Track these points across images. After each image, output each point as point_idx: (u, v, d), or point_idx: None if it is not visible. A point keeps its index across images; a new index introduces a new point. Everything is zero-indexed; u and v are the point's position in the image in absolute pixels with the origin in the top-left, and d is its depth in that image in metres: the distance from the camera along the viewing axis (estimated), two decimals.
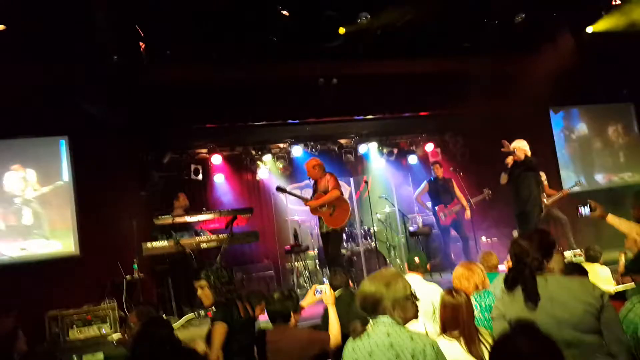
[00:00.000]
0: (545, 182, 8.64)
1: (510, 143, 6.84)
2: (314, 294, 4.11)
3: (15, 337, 3.69)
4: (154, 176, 8.14)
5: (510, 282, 2.74)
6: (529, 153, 6.91)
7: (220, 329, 3.60)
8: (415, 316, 2.72)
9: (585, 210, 4.76)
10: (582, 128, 10.53)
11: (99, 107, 7.19)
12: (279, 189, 7.24)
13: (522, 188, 6.90)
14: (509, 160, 6.97)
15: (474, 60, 8.59)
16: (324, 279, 8.01)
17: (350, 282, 4.90)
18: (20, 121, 7.07)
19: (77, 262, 7.08)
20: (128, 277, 6.56)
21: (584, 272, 4.17)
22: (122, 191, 7.37)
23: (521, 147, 6.90)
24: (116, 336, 5.77)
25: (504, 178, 7.15)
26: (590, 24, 8.75)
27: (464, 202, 8.39)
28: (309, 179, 7.26)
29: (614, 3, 8.38)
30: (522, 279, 2.68)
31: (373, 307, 2.62)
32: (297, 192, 8.33)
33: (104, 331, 5.93)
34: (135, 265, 6.62)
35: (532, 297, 2.63)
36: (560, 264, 2.72)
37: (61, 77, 6.77)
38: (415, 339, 2.52)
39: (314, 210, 6.94)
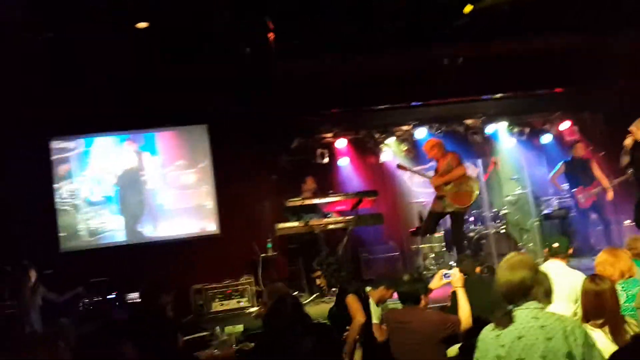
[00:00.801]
0: None
1: None
2: (442, 278, 4.12)
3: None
4: (283, 160, 8.50)
5: None
6: None
7: (354, 298, 3.76)
8: (551, 300, 2.67)
9: None
10: None
11: (233, 97, 7.66)
12: (399, 166, 7.30)
13: None
14: (628, 141, 6.31)
15: (615, 35, 7.91)
16: (451, 262, 7.90)
17: (477, 268, 4.83)
18: (164, 112, 7.73)
19: (217, 240, 7.67)
20: (263, 255, 6.98)
21: None
22: (255, 175, 7.83)
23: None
24: (254, 310, 6.21)
25: (624, 160, 6.48)
26: None
27: (606, 183, 7.81)
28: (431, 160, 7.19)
29: None
30: None
31: (520, 294, 2.59)
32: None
33: (242, 304, 6.36)
34: (269, 244, 7.02)
35: None
36: None
37: (198, 71, 7.30)
38: (563, 319, 2.53)
39: (438, 188, 6.85)
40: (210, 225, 7.88)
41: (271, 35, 7.14)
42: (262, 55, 7.44)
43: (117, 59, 6.79)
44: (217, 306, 6.43)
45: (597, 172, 7.95)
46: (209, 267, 7.11)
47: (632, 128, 6.32)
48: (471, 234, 8.31)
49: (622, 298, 3.56)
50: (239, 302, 6.41)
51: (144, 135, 8.14)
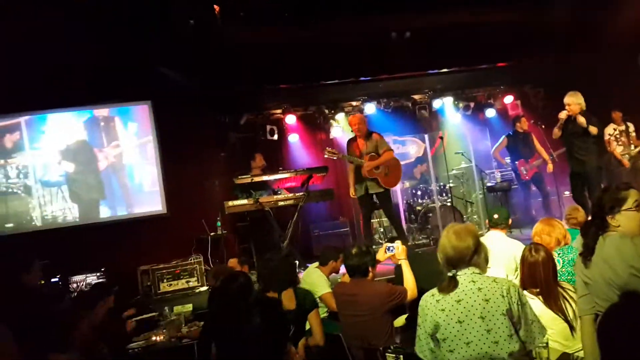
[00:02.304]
0: (634, 133, 8.18)
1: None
2: (385, 251, 4.20)
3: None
4: (231, 137, 8.40)
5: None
6: (584, 107, 6.45)
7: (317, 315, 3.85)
8: (487, 269, 2.79)
9: None
10: None
11: (177, 72, 7.46)
12: (329, 151, 6.95)
13: (577, 146, 6.51)
14: (563, 115, 6.51)
15: (556, 8, 8.11)
16: None
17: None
18: (106, 88, 7.46)
19: (165, 220, 7.54)
20: (212, 234, 6.91)
21: None
22: (203, 153, 7.70)
23: (575, 101, 6.44)
24: (204, 289, 6.18)
25: (555, 133, 6.69)
26: None
27: (546, 156, 8.09)
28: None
29: None
30: (585, 236, 2.68)
31: (461, 261, 2.70)
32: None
33: (191, 284, 6.31)
34: (219, 223, 6.96)
35: (585, 255, 2.67)
36: (634, 222, 2.61)
37: (140, 45, 7.07)
38: (499, 281, 2.67)
39: (369, 172, 6.82)
40: (157, 205, 7.71)
41: (217, 7, 6.97)
42: (207, 28, 7.28)
43: (57, 34, 6.51)
44: (165, 287, 6.34)
45: (538, 145, 8.21)
46: (157, 248, 6.99)
47: (566, 100, 6.52)
48: (418, 208, 8.49)
49: (559, 264, 3.72)
50: (188, 282, 6.34)
51: (89, 112, 7.86)
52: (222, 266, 4.53)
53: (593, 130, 6.45)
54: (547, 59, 8.27)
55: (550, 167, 8.06)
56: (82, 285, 6.41)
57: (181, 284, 6.39)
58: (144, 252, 6.98)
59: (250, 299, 3.12)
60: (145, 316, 5.00)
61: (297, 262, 6.66)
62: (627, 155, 8.07)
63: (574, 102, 6.47)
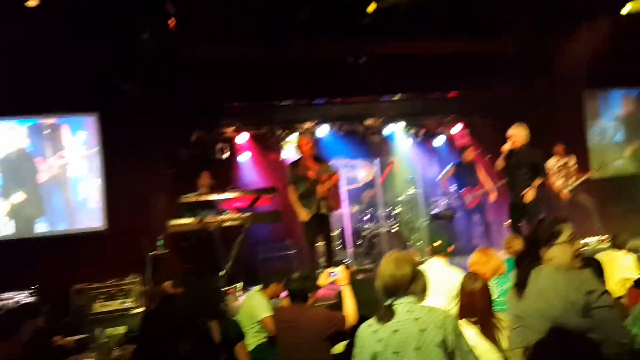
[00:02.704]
0: (575, 167, 8.49)
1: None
2: (328, 276, 4.16)
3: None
4: (181, 154, 8.23)
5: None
6: (528, 139, 6.65)
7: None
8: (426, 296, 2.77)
9: None
10: (617, 112, 10.24)
11: (128, 85, 7.29)
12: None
13: (517, 178, 6.69)
14: (507, 146, 6.68)
15: (507, 41, 8.40)
16: (345, 260, 8.03)
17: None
18: (52, 98, 7.21)
19: (103, 237, 7.25)
20: (152, 253, 6.70)
21: (595, 266, 4.05)
22: (149, 169, 7.48)
23: (519, 133, 6.62)
24: (140, 311, 5.95)
25: (499, 164, 6.86)
26: (625, 4, 8.47)
27: (489, 186, 8.28)
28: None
29: None
30: (519, 268, 2.72)
31: (402, 289, 2.67)
32: None
33: (127, 305, 6.07)
34: (161, 242, 6.75)
35: (518, 286, 2.70)
36: (568, 255, 2.66)
37: (90, 55, 6.88)
38: (435, 310, 2.65)
39: (327, 192, 6.81)
40: (95, 220, 7.41)
41: (172, 21, 6.87)
42: (161, 41, 7.16)
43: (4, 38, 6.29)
44: (99, 307, 6.08)
45: (482, 175, 8.40)
46: (93, 266, 6.69)
47: (510, 132, 6.70)
48: (365, 233, 8.51)
49: (496, 294, 3.76)
50: (123, 302, 6.10)
51: (32, 121, 7.52)
52: (158, 287, 4.37)
53: (537, 182, 6.63)
54: (497, 91, 8.50)
55: (492, 196, 8.24)
56: (10, 303, 6.07)
57: (116, 304, 6.14)
58: (81, 270, 6.67)
59: (184, 323, 3.00)
60: (69, 339, 4.74)
61: (240, 283, 6.55)
62: (566, 188, 8.35)
63: (518, 133, 6.63)
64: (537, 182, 6.64)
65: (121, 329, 4.81)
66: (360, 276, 7.33)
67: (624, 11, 8.51)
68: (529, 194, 6.61)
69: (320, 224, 6.90)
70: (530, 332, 2.63)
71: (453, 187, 8.68)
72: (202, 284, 3.92)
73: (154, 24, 6.92)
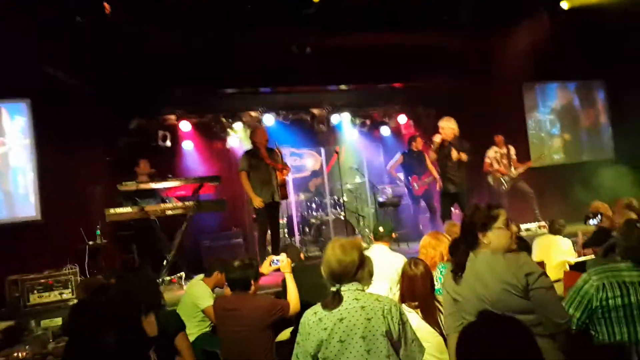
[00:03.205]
0: (514, 157, 8.76)
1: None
2: (270, 264, 4.13)
3: None
4: (119, 141, 7.96)
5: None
6: (457, 132, 6.83)
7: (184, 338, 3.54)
8: (371, 282, 2.77)
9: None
10: (553, 104, 10.64)
11: (63, 70, 6.97)
12: None
13: (449, 168, 6.86)
14: (437, 138, 6.87)
15: (450, 35, 8.55)
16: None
17: (302, 254, 4.92)
18: None
19: (39, 227, 6.94)
20: (91, 242, 6.46)
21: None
22: (86, 156, 7.18)
23: (449, 126, 6.81)
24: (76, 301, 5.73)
25: (431, 156, 7.06)
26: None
27: (436, 175, 8.42)
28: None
29: None
30: (455, 253, 2.74)
31: (346, 275, 2.65)
32: None
33: (65, 296, 5.84)
34: (98, 231, 6.52)
35: (455, 271, 2.74)
36: (504, 239, 2.71)
37: (23, 38, 6.54)
38: (381, 299, 2.63)
39: (283, 180, 6.91)
40: (30, 210, 7.07)
41: (107, 5, 6.61)
42: (98, 25, 6.88)
43: None
44: (35, 298, 5.82)
45: (430, 164, 8.54)
46: (29, 256, 6.40)
47: (440, 124, 6.84)
48: (312, 220, 8.51)
49: (441, 280, 3.81)
50: (61, 293, 5.86)
51: None
52: (93, 278, 4.20)
53: (463, 157, 6.80)
54: (440, 82, 8.64)
55: (439, 185, 8.38)
56: None
57: (53, 295, 5.88)
58: (17, 261, 6.36)
59: (112, 315, 2.87)
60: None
61: (183, 274, 6.41)
62: (506, 177, 8.61)
63: (447, 126, 6.82)
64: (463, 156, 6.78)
65: (57, 321, 4.60)
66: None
67: (564, 6, 8.81)
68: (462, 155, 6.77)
69: (273, 211, 6.88)
70: (468, 315, 2.67)
71: (401, 175, 8.78)
72: (135, 276, 3.77)
73: (90, 6, 6.66)
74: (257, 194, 6.70)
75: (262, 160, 6.76)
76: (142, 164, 7.34)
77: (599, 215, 5.83)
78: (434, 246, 4.29)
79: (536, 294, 2.55)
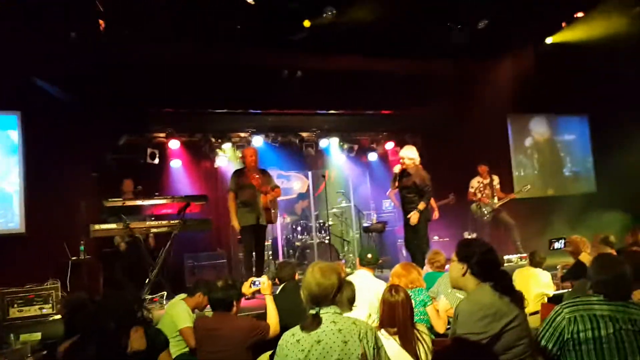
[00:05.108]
0: (498, 186, 8.87)
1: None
2: (250, 285, 4.17)
3: None
4: (107, 158, 7.98)
5: None
6: (417, 162, 6.72)
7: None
8: (352, 307, 2.82)
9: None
10: (538, 136, 10.85)
11: (54, 85, 7.03)
12: None
13: (408, 198, 6.74)
14: (396, 169, 6.80)
15: (437, 63, 8.74)
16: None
17: (296, 274, 4.95)
18: None
19: (22, 240, 6.91)
20: (74, 258, 6.43)
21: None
22: (73, 171, 7.21)
23: (409, 155, 6.73)
24: (58, 317, 5.70)
25: (391, 186, 6.93)
26: (550, 35, 9.03)
27: (434, 205, 8.33)
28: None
29: (576, 16, 8.68)
30: None
31: (325, 299, 2.69)
32: None
33: (45, 311, 5.81)
34: (82, 247, 6.50)
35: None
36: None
37: (16, 52, 6.60)
38: (358, 323, 2.67)
39: (270, 203, 6.88)
40: (14, 222, 7.05)
41: (101, 22, 6.70)
42: (90, 42, 6.95)
43: None
44: (15, 312, 5.78)
45: None
46: (11, 270, 6.37)
47: (401, 154, 6.79)
48: (297, 243, 8.55)
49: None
50: (41, 308, 5.82)
51: None
52: (75, 295, 4.19)
53: (421, 206, 6.63)
54: (425, 110, 8.80)
55: (436, 214, 8.18)
56: None
57: (33, 310, 5.85)
58: None
59: (92, 331, 2.90)
60: None
61: (165, 293, 6.39)
62: (488, 207, 8.71)
63: (407, 156, 6.72)
64: (421, 206, 6.61)
65: (37, 335, 4.58)
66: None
67: (548, 41, 9.06)
68: (413, 217, 6.61)
69: (257, 234, 6.88)
70: None
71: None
72: (118, 291, 3.80)
73: (84, 22, 6.73)
74: (242, 216, 6.71)
75: (248, 181, 6.79)
76: (127, 183, 7.38)
77: (562, 240, 5.93)
78: (403, 275, 4.44)
79: None
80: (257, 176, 6.73)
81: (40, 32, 6.55)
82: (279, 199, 7.55)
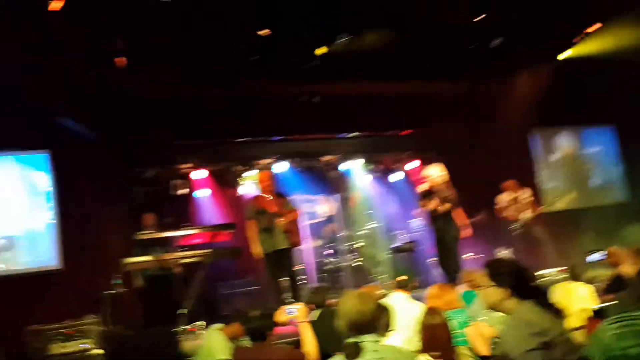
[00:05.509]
0: (529, 199, 8.74)
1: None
2: (285, 313, 4.14)
3: None
4: (137, 191, 8.11)
5: None
6: (442, 179, 6.74)
7: None
8: (389, 332, 2.80)
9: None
10: (563, 149, 10.72)
11: (80, 123, 7.21)
12: None
13: (436, 217, 6.75)
14: (423, 187, 6.82)
15: (455, 83, 8.76)
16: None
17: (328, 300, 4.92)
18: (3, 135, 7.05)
19: (58, 276, 7.03)
20: (109, 292, 6.50)
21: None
22: (105, 206, 7.34)
23: (433, 174, 6.76)
24: (99, 352, 5.74)
25: (420, 204, 6.93)
26: (564, 51, 9.02)
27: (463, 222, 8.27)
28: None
29: (588, 30, 8.66)
30: None
31: (368, 325, 2.68)
32: None
33: (85, 346, 5.85)
34: (118, 280, 6.57)
35: None
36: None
37: (42, 92, 6.78)
38: (400, 351, 2.70)
39: (286, 225, 6.82)
40: (51, 260, 7.18)
41: (123, 60, 6.87)
42: (114, 79, 7.15)
43: None
44: (56, 349, 5.83)
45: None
46: (49, 306, 6.45)
47: (426, 173, 6.80)
48: (329, 267, 8.53)
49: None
50: (81, 344, 5.86)
51: None
52: (113, 329, 4.22)
53: (440, 209, 6.70)
54: (447, 127, 8.79)
55: (468, 231, 8.21)
56: None
57: (74, 345, 5.88)
58: (37, 310, 6.41)
59: None
60: None
61: (202, 322, 6.40)
62: (520, 222, 8.56)
63: (433, 174, 6.76)
64: (433, 204, 6.66)
65: None
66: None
67: (565, 55, 9.03)
68: (441, 207, 6.66)
69: (281, 259, 6.84)
70: None
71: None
72: (152, 328, 3.83)
73: (104, 61, 6.91)
74: (262, 243, 6.71)
75: (266, 206, 6.77)
76: (148, 217, 7.40)
77: (600, 252, 5.80)
78: (439, 296, 4.33)
79: None
80: (270, 199, 6.71)
81: (63, 71, 6.75)
82: (308, 223, 7.54)
